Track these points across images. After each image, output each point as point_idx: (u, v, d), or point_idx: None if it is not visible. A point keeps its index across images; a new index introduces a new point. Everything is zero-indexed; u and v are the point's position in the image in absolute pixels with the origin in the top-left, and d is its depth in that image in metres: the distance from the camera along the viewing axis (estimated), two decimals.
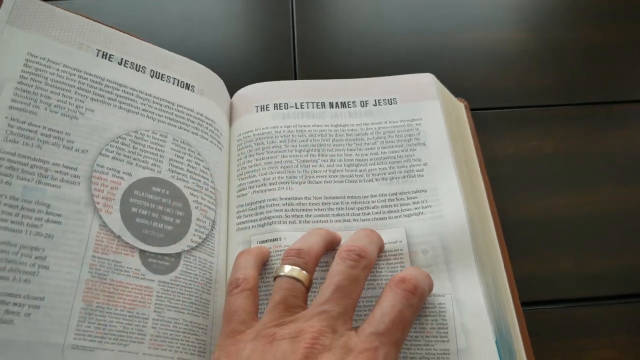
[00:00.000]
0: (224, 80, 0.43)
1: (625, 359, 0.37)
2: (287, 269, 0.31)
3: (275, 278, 0.31)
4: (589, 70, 0.51)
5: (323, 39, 0.52)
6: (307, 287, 0.31)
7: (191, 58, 0.41)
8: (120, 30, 0.38)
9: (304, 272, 0.31)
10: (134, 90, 0.37)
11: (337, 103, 0.42)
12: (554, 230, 0.42)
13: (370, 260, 0.31)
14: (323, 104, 0.42)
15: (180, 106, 0.38)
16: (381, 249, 0.35)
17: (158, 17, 0.53)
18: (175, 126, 0.37)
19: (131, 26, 0.51)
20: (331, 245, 0.34)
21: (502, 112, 0.48)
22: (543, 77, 0.50)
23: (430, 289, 0.32)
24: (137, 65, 0.38)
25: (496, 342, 0.32)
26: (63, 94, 0.34)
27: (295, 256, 0.31)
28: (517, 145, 0.46)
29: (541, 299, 0.39)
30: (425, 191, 0.38)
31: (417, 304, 0.30)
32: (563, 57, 0.52)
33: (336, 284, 0.29)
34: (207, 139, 0.38)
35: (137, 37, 0.39)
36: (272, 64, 0.50)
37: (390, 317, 0.28)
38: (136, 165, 0.34)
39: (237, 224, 0.37)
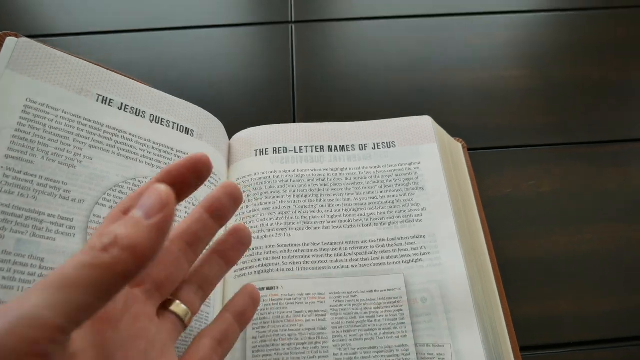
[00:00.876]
0: (222, 121, 0.43)
1: None
2: None
3: None
4: (586, 108, 0.51)
5: (322, 79, 0.52)
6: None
7: (190, 98, 0.42)
8: (121, 74, 0.38)
9: None
10: (133, 136, 0.37)
11: (336, 147, 0.42)
12: (553, 270, 0.41)
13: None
14: (322, 148, 0.42)
15: (179, 151, 0.38)
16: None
17: (158, 56, 0.53)
18: None
19: (131, 65, 0.51)
20: None
21: (500, 152, 0.48)
22: (540, 116, 0.51)
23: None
24: (137, 110, 0.38)
25: None
26: (61, 142, 0.33)
27: None
28: (514, 184, 0.46)
29: (541, 343, 0.38)
30: (423, 237, 0.38)
31: None
32: (560, 95, 0.52)
33: None
34: (205, 185, 0.38)
35: (138, 81, 0.39)
36: (272, 104, 0.50)
37: None
38: None
39: (234, 271, 0.37)
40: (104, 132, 0.36)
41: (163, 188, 0.20)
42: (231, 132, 0.44)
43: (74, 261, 0.18)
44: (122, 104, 0.37)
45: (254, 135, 0.42)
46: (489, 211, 0.43)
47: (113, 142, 0.36)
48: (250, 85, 0.51)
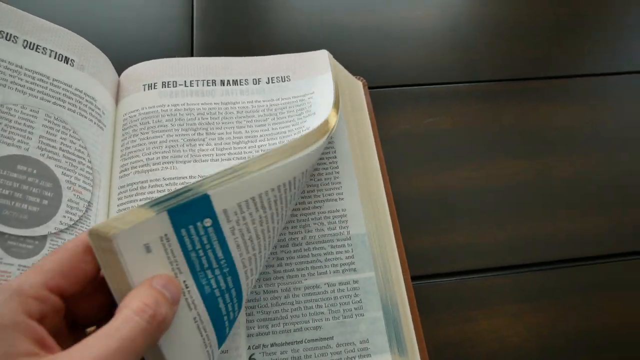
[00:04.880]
0: (115, 58, 0.41)
1: (514, 327, 0.38)
2: None
3: None
4: (486, 48, 0.52)
5: (224, 17, 0.50)
6: None
7: (80, 33, 0.39)
8: None
9: None
10: (2, 61, 0.34)
11: (228, 81, 0.41)
12: (449, 205, 0.42)
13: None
14: (214, 82, 0.40)
15: (56, 80, 0.36)
16: None
17: None
18: (49, 101, 0.35)
19: None
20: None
21: (401, 90, 0.48)
22: (444, 55, 0.51)
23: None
24: (8, 34, 0.35)
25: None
26: None
27: None
28: (414, 122, 0.46)
29: (433, 272, 0.39)
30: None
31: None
32: (463, 35, 0.53)
33: None
34: (85, 117, 0.36)
35: (13, 7, 0.36)
36: (169, 42, 0.48)
37: None
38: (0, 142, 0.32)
39: (118, 205, 0.35)
40: None
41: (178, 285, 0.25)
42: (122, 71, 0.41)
43: (132, 320, 0.21)
44: None
45: (143, 70, 0.40)
46: (388, 148, 0.43)
47: None
48: (147, 22, 0.49)
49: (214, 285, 0.26)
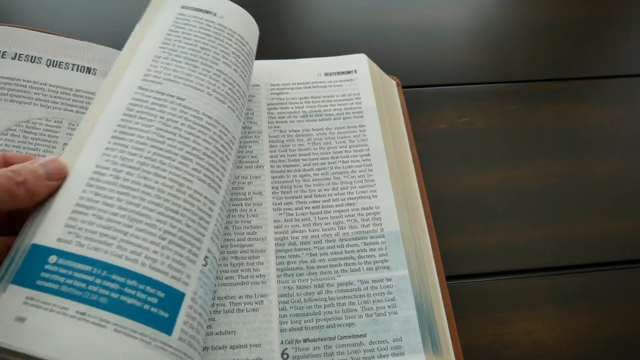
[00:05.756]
0: None
1: (550, 330, 0.36)
2: None
3: None
4: (522, 48, 0.52)
5: (257, 17, 0.51)
6: None
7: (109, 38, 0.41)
8: (14, 26, 0.38)
9: None
10: (28, 82, 0.37)
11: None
12: (484, 205, 0.41)
13: None
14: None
15: (79, 90, 0.38)
16: None
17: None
18: (72, 111, 0.37)
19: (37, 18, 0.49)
20: None
21: (436, 90, 0.48)
22: (478, 55, 0.51)
23: None
24: (32, 57, 0.38)
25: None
26: None
27: None
28: (449, 121, 0.46)
29: (467, 273, 0.38)
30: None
31: None
32: (498, 35, 0.52)
33: None
34: None
35: (34, 30, 0.39)
36: None
37: None
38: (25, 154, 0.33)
39: None
40: None
41: (64, 165, 0.27)
42: None
43: None
44: (16, 53, 0.37)
45: None
46: (422, 148, 0.43)
47: (5, 90, 0.36)
48: None
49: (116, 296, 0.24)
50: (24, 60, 0.37)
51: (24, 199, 0.25)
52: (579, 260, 0.39)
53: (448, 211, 0.41)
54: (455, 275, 0.38)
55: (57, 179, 0.26)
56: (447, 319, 0.34)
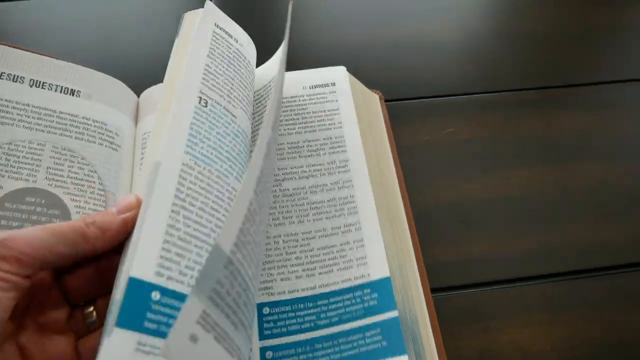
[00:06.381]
0: (135, 81, 0.42)
1: (535, 339, 0.36)
2: None
3: None
4: (504, 59, 0.51)
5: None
6: None
7: (100, 60, 0.40)
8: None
9: None
10: (9, 102, 0.36)
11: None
12: (466, 215, 0.41)
13: None
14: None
15: (62, 112, 0.37)
16: None
17: (70, 22, 0.51)
18: (55, 133, 0.36)
19: (34, 34, 0.50)
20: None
21: (418, 102, 0.47)
22: (461, 67, 0.50)
23: None
24: (14, 76, 0.37)
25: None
26: None
27: None
28: (432, 132, 0.45)
29: (451, 285, 0.38)
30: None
31: None
32: (481, 47, 0.51)
33: None
34: (94, 142, 0.37)
35: (18, 48, 0.38)
36: None
37: None
38: (8, 177, 0.33)
39: None
40: None
41: (134, 197, 0.28)
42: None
43: (68, 224, 0.26)
44: None
45: (159, 92, 0.41)
46: (406, 160, 0.43)
47: None
48: (166, 44, 0.50)
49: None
50: (6, 79, 0.36)
51: (97, 237, 0.26)
52: (563, 267, 0.39)
53: (432, 223, 0.40)
54: (441, 287, 0.38)
55: (128, 210, 0.27)
56: (433, 331, 0.34)
